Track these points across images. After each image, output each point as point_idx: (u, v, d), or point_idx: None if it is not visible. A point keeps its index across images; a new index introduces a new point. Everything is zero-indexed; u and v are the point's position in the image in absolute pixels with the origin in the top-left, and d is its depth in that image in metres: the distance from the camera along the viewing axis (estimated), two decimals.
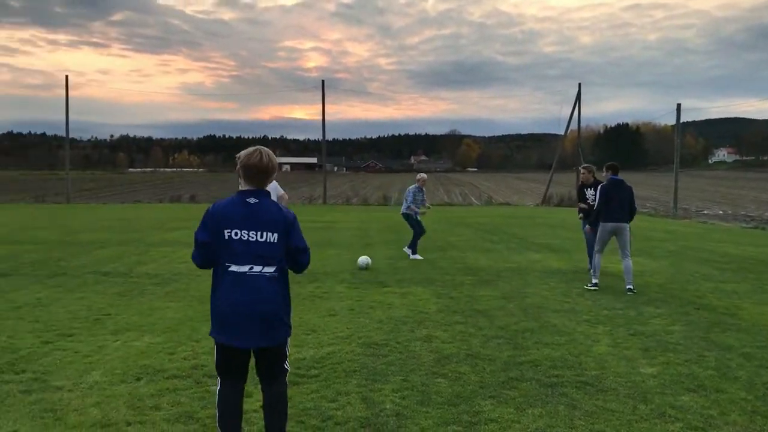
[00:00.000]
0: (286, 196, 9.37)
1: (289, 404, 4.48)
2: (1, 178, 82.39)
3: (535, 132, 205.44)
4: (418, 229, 12.76)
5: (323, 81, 40.54)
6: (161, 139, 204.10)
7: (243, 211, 3.58)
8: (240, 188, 3.70)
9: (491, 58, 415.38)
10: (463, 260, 12.41)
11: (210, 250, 3.57)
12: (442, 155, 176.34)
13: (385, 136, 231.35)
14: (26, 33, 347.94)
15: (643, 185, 61.99)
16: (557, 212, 30.29)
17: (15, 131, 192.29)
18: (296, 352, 5.90)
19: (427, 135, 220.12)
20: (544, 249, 14.45)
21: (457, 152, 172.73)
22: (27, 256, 12.58)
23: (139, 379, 5.08)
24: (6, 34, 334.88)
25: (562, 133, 41.80)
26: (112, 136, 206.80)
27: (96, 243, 15.25)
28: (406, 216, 12.89)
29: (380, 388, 4.93)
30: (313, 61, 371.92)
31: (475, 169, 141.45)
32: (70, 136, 44.38)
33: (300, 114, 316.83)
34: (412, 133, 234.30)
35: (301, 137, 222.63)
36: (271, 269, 3.58)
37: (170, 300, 8.38)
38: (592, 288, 9.24)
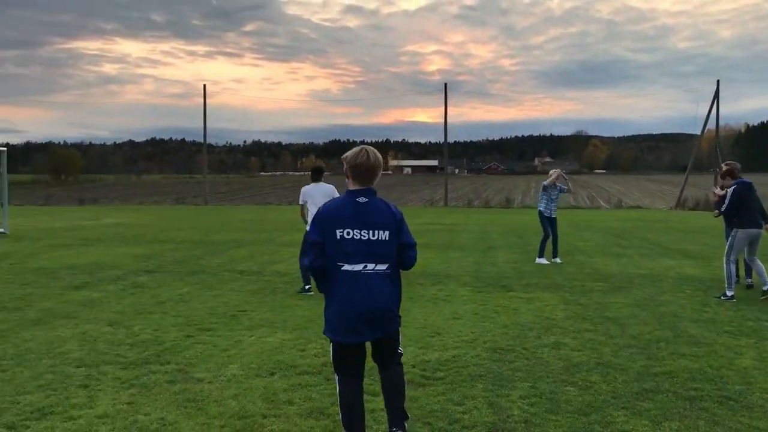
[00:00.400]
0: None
1: (415, 405, 4.56)
2: (145, 182, 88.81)
3: (667, 132, 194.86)
4: (548, 232, 12.50)
5: (446, 84, 40.69)
6: (290, 144, 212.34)
7: (354, 210, 3.65)
8: (348, 188, 3.77)
9: (620, 55, 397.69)
10: (591, 265, 12.00)
11: (322, 250, 3.63)
12: (567, 156, 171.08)
13: (508, 137, 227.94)
14: (168, 45, 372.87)
15: None
16: (693, 216, 28.61)
17: (157, 137, 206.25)
18: (421, 353, 5.94)
19: (551, 136, 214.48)
20: (680, 255, 13.69)
21: (584, 153, 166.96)
22: (170, 255, 13.48)
23: (272, 374, 5.31)
24: (150, 47, 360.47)
25: (698, 132, 39.40)
26: (245, 141, 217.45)
27: (231, 243, 16.09)
28: (540, 215, 12.69)
29: (507, 394, 4.86)
30: (435, 65, 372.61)
31: (603, 171, 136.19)
32: (207, 142, 47.12)
33: (422, 117, 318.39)
34: (536, 134, 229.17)
35: (423, 140, 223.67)
36: (383, 267, 3.65)
37: (300, 298, 8.69)
38: (728, 300, 8.64)
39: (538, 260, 12.30)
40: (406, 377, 5.19)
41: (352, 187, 3.75)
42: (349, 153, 3.79)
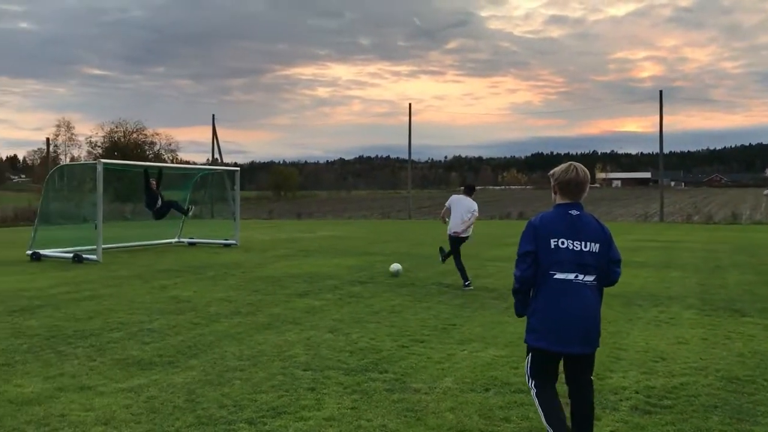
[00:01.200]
0: (476, 213, 11.10)
1: None
2: (354, 197, 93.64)
3: None
4: None
5: (660, 92, 38.14)
6: (490, 158, 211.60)
7: (567, 222, 3.76)
8: (557, 203, 3.88)
9: None
10: None
11: (534, 260, 3.75)
12: None
13: (732, 146, 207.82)
14: (374, 67, 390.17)
15: None
16: None
17: (365, 155, 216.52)
18: (645, 379, 5.57)
19: None
20: None
21: None
22: (380, 266, 14.03)
23: (487, 390, 5.28)
24: (357, 70, 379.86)
25: None
26: (446, 157, 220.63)
27: (436, 256, 16.35)
28: None
29: (749, 429, 4.39)
30: (647, 71, 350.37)
31: None
32: (411, 158, 48.57)
33: (632, 127, 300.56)
34: (765, 142, 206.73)
35: (633, 151, 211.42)
36: (591, 278, 3.72)
37: (509, 315, 8.56)
38: None
39: None
40: (629, 402, 4.93)
41: (560, 201, 3.86)
42: (557, 169, 3.91)
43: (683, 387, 5.35)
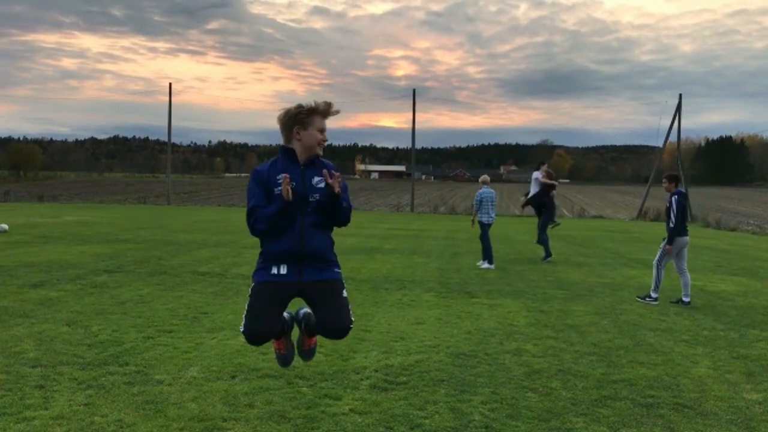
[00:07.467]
0: None
1: (377, 410, 4.57)
2: (107, 180, 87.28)
3: (630, 144, 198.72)
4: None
5: (414, 90, 40.82)
6: (256, 145, 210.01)
7: None
8: None
9: (585, 66, 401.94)
10: (553, 273, 12.15)
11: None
12: (532, 166, 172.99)
13: (474, 145, 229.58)
14: (128, 41, 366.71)
15: (747, 201, 58.75)
16: (654, 227, 29.16)
17: (120, 135, 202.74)
18: (384, 358, 5.95)
19: (517, 145, 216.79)
20: (640, 265, 13.94)
21: (549, 163, 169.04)
22: (131, 255, 13.26)
23: (234, 377, 5.25)
24: (110, 42, 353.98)
25: (660, 145, 40.23)
26: (210, 141, 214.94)
27: (194, 243, 15.89)
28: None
29: (469, 399, 4.89)
30: (402, 70, 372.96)
31: (567, 181, 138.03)
32: (171, 141, 46.48)
33: (389, 122, 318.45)
34: (501, 142, 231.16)
35: (390, 145, 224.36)
36: None
37: None
38: (653, 303, 9.25)
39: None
40: (369, 381, 5.22)
41: None
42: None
43: (417, 364, 5.81)
